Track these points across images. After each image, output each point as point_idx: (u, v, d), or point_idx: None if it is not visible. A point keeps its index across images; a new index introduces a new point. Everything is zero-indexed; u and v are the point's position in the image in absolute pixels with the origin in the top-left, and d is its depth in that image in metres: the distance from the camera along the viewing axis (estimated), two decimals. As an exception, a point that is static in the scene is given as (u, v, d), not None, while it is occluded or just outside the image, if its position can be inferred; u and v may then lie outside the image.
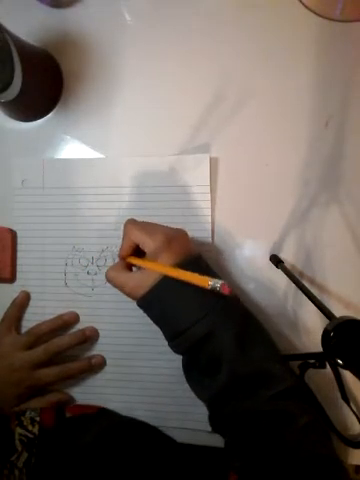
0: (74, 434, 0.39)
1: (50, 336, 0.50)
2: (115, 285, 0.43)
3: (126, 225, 0.44)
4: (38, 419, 0.37)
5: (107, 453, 0.37)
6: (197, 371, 0.41)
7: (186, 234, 0.44)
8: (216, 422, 0.41)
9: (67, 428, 0.40)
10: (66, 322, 0.51)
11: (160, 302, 0.40)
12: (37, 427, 0.36)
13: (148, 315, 0.42)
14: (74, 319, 0.51)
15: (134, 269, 0.45)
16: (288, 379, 0.39)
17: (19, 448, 0.34)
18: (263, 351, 0.40)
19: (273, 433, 0.36)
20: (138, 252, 0.43)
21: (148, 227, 0.43)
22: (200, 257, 0.43)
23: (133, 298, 0.42)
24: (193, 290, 0.38)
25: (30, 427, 0.36)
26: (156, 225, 0.44)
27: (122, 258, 0.45)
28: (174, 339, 0.41)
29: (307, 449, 0.35)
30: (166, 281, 0.39)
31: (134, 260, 0.43)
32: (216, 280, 0.36)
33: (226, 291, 0.35)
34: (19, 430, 0.35)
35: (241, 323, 0.40)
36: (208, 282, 0.36)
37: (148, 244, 0.41)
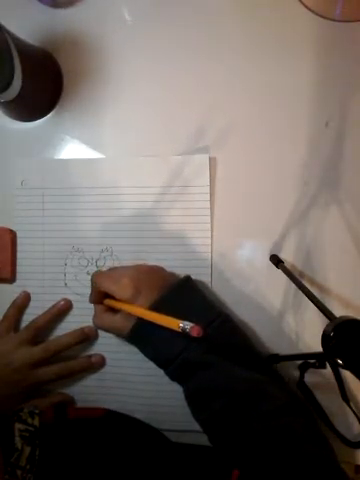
0: (79, 437, 0.38)
1: (49, 328, 0.51)
2: (105, 331, 0.45)
3: (92, 278, 0.45)
4: (37, 411, 0.36)
5: (112, 457, 0.36)
6: (192, 397, 0.42)
7: (155, 269, 0.44)
8: (214, 441, 0.42)
9: (71, 429, 0.39)
10: (60, 310, 0.51)
11: (144, 339, 0.42)
12: (37, 419, 0.35)
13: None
14: (68, 306, 0.52)
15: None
16: (281, 397, 0.39)
17: (19, 446, 0.32)
18: (254, 373, 0.40)
19: (271, 450, 0.36)
20: None
21: (113, 275, 0.44)
22: (181, 286, 0.43)
23: (123, 338, 0.44)
24: None
25: (30, 420, 0.34)
26: (121, 270, 0.44)
27: (95, 304, 0.46)
28: (165, 368, 0.42)
29: (306, 463, 0.35)
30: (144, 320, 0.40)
31: (111, 302, 0.44)
32: (186, 323, 0.35)
33: (195, 334, 0.35)
34: (18, 425, 0.33)
35: (230, 348, 0.41)
36: (179, 324, 0.35)
37: (117, 292, 0.42)
